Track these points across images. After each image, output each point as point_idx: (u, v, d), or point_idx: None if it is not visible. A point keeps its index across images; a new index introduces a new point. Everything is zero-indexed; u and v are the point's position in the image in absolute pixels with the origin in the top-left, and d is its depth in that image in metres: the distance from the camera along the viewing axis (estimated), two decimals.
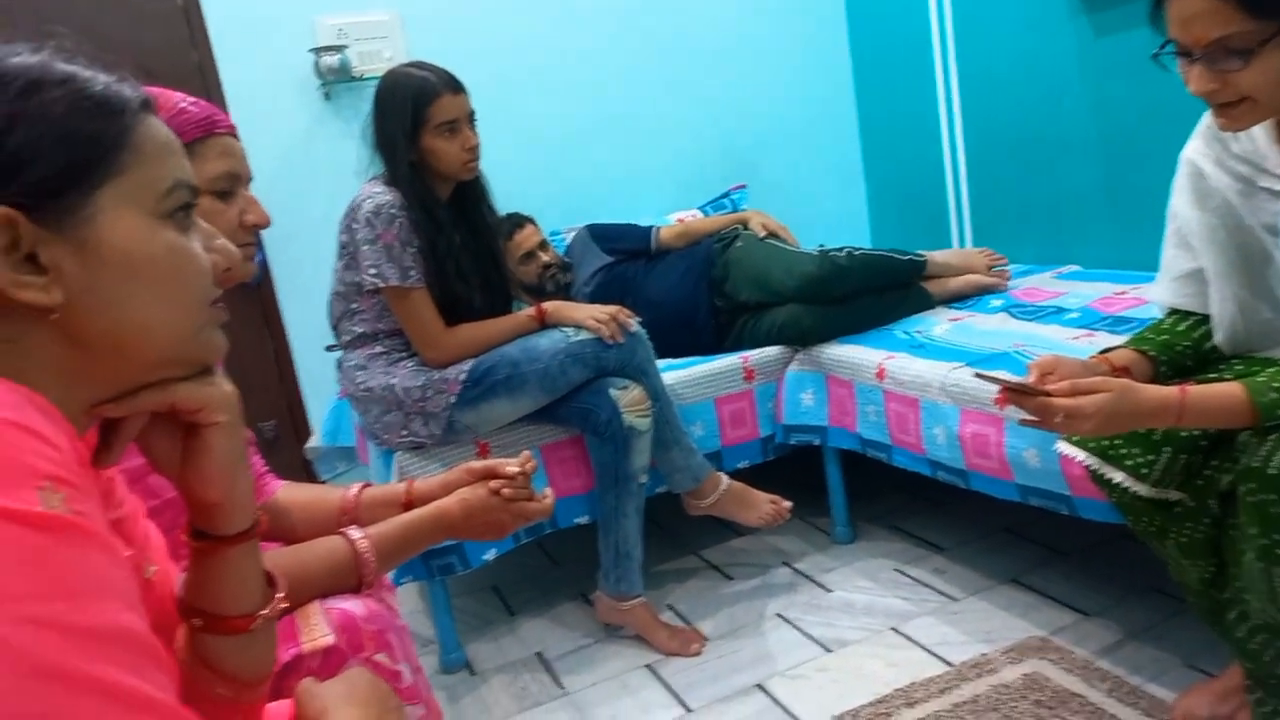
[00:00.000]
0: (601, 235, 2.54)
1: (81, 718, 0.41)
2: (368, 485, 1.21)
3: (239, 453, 0.65)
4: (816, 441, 2.18)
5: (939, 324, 2.18)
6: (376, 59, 2.58)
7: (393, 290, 1.75)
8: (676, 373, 2.11)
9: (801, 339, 2.21)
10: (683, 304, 2.35)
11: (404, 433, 1.82)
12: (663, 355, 2.16)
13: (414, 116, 1.74)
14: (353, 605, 0.96)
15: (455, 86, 1.79)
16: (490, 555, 1.88)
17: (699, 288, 2.35)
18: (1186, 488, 1.28)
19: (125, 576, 0.48)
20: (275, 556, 0.98)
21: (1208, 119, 1.26)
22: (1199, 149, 1.29)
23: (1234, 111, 1.10)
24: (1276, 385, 1.08)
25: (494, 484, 1.17)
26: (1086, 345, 1.76)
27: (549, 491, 1.21)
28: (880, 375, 1.97)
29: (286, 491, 1.17)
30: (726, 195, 3.01)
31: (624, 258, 2.50)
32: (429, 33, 2.66)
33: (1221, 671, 1.40)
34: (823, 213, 3.24)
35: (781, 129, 3.20)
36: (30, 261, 0.52)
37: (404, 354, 1.84)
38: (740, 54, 3.10)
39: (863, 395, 2.04)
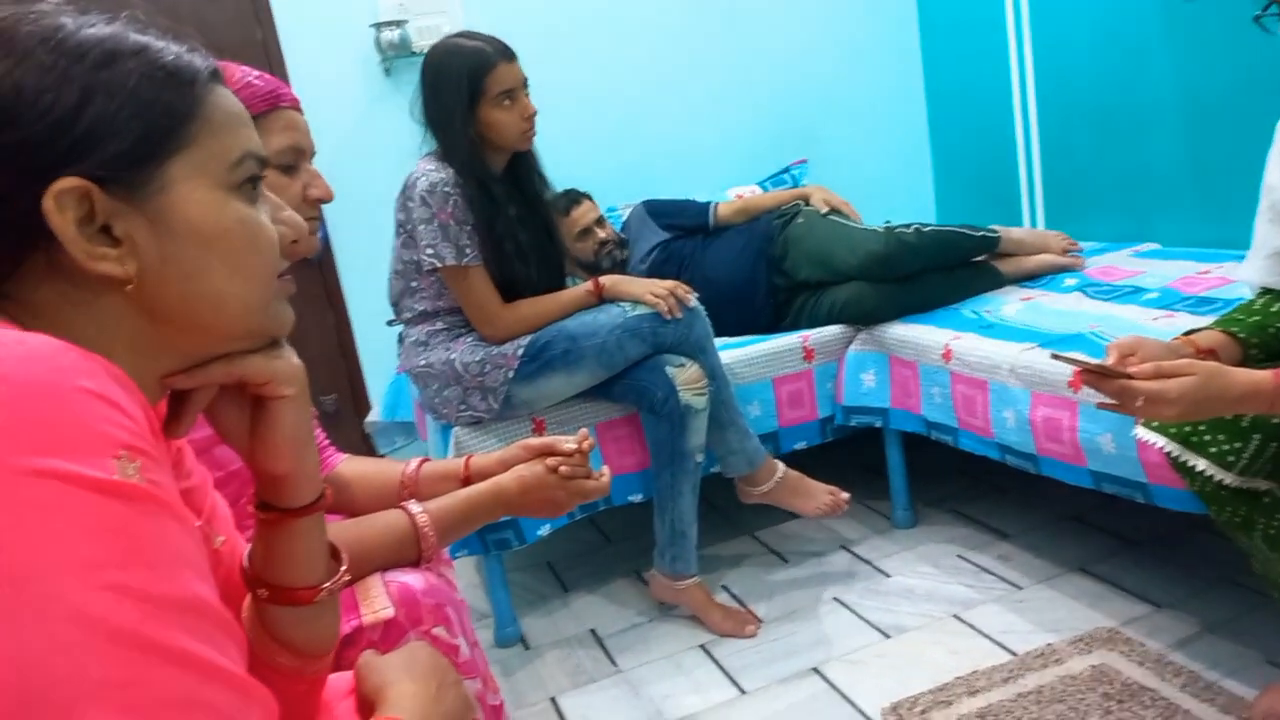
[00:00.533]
0: (658, 211, 2.50)
1: (158, 685, 0.42)
2: (427, 460, 1.22)
3: (306, 426, 0.65)
4: (878, 423, 2.13)
5: (1009, 303, 2.10)
6: (436, 33, 2.56)
7: (450, 270, 1.75)
8: (733, 352, 2.08)
9: (864, 318, 2.16)
10: (740, 282, 2.31)
11: (462, 408, 1.83)
12: (719, 334, 2.12)
13: (470, 88, 1.73)
14: (412, 579, 0.96)
15: (509, 54, 1.77)
16: (545, 531, 1.89)
17: (757, 265, 2.31)
18: (1277, 477, 1.21)
19: (197, 546, 0.48)
20: (337, 529, 0.98)
21: None
22: None
23: None
24: None
25: (551, 461, 1.17)
26: (1166, 327, 1.68)
27: (606, 470, 1.20)
28: (947, 356, 1.92)
29: (348, 465, 1.18)
30: (787, 170, 2.95)
31: (681, 234, 2.47)
32: (487, 6, 2.65)
33: None
34: (887, 189, 3.15)
35: (844, 101, 3.12)
36: (105, 233, 0.52)
37: (464, 330, 1.85)
38: (802, 23, 3.03)
39: (927, 376, 1.99)
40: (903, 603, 1.85)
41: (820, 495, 1.94)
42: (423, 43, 2.55)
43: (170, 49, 0.56)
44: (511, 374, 1.78)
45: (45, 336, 0.47)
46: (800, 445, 2.15)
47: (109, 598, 0.41)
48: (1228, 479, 1.22)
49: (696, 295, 1.88)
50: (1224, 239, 2.15)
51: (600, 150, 2.82)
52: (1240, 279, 1.39)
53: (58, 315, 0.53)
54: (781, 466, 1.96)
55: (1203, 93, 2.27)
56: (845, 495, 1.94)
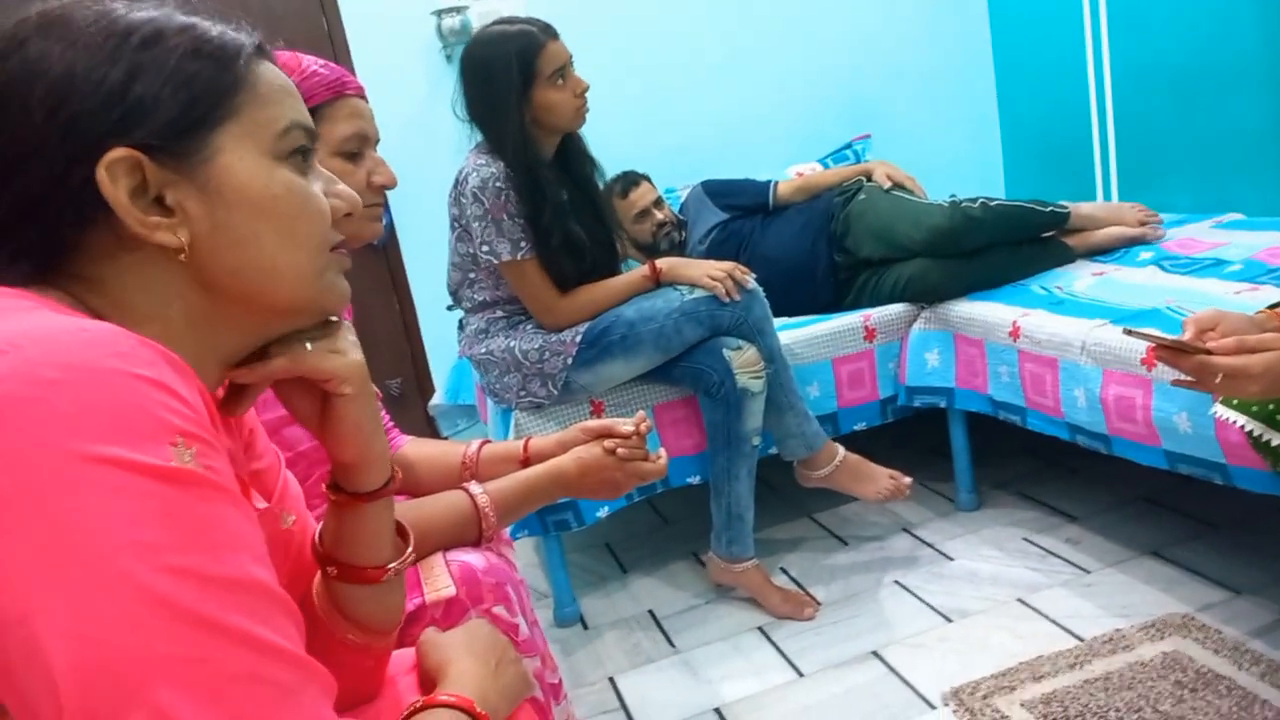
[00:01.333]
0: (717, 192, 2.48)
1: (222, 662, 0.44)
2: (487, 442, 1.24)
3: (370, 417, 0.66)
4: (942, 404, 2.09)
5: (1080, 278, 2.03)
6: (491, 18, 2.59)
7: (506, 264, 1.76)
8: (793, 332, 2.06)
9: (928, 295, 2.11)
10: (800, 260, 2.28)
11: (522, 393, 1.85)
12: (779, 314, 2.10)
13: (523, 72, 1.72)
14: (473, 558, 0.98)
15: (553, 32, 1.77)
16: (604, 513, 1.91)
17: (818, 243, 2.28)
18: None
19: (254, 530, 0.49)
20: (400, 509, 1.01)
21: None
22: None
23: None
24: None
25: (609, 443, 1.18)
26: (1250, 300, 1.60)
27: (663, 452, 1.21)
28: (1014, 334, 1.87)
29: (412, 446, 1.21)
30: (849, 146, 2.89)
31: (740, 214, 2.44)
32: None
33: None
34: (953, 163, 3.07)
35: (909, 72, 3.04)
36: (158, 204, 0.54)
37: (522, 318, 1.87)
38: None
39: (994, 355, 1.94)
40: (966, 586, 1.82)
41: (882, 480, 1.91)
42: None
43: (215, 27, 0.58)
44: (570, 361, 1.79)
45: (106, 324, 0.49)
46: (860, 426, 2.12)
47: (171, 579, 0.43)
48: None
49: (754, 276, 1.86)
50: None
51: (658, 131, 2.81)
52: None
53: (118, 291, 0.55)
54: (841, 450, 1.94)
55: None
56: (907, 480, 1.91)
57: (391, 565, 0.70)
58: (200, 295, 0.57)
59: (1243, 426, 1.24)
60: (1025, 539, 1.97)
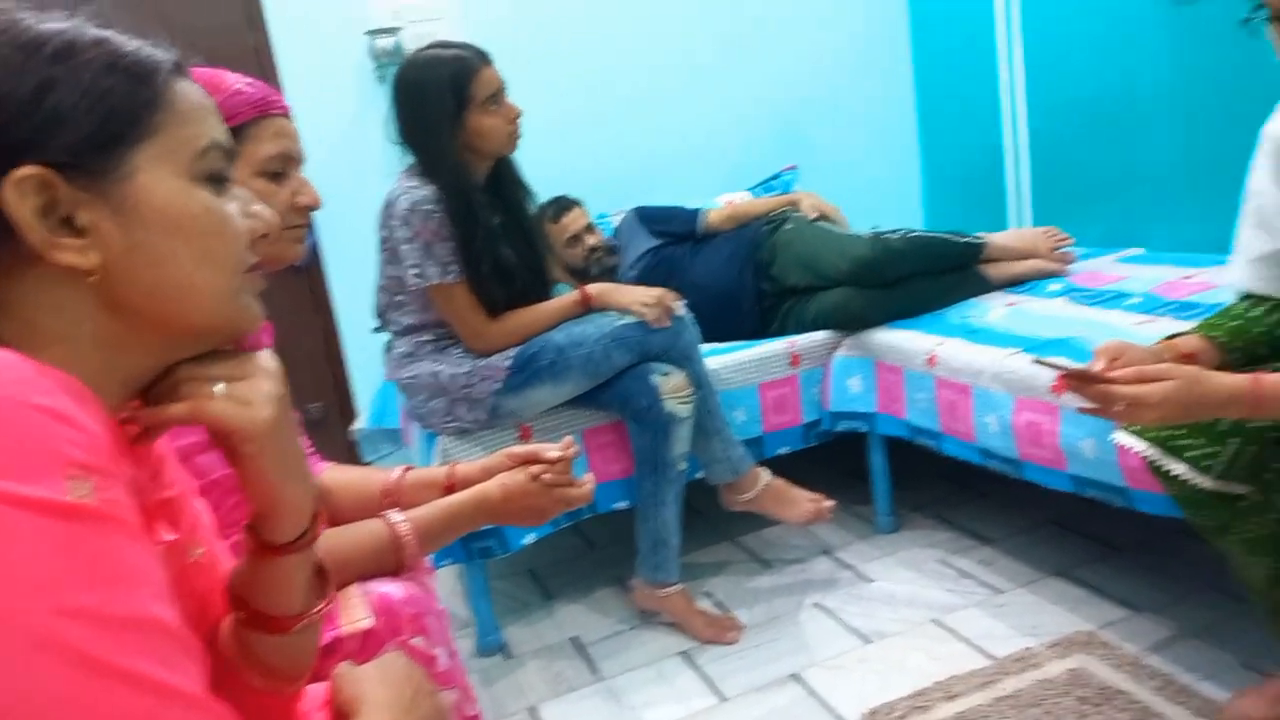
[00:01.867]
0: (649, 218, 2.51)
1: (116, 708, 0.42)
2: (410, 468, 1.22)
3: (280, 469, 0.61)
4: (863, 428, 2.14)
5: (994, 309, 2.12)
6: (433, 40, 2.58)
7: (435, 288, 1.75)
8: (720, 357, 2.09)
9: (851, 323, 2.17)
10: (728, 287, 2.32)
11: (449, 418, 1.83)
12: (707, 340, 2.13)
13: (456, 96, 1.72)
14: (392, 588, 0.97)
15: (487, 58, 1.77)
16: (529, 539, 1.89)
17: (745, 271, 2.32)
18: (1254, 481, 1.22)
19: (154, 565, 0.47)
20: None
21: None
22: None
23: None
24: None
25: (535, 469, 1.17)
26: (1150, 332, 1.69)
27: (590, 477, 1.20)
28: (931, 362, 1.93)
29: (331, 473, 1.18)
30: (776, 177, 2.96)
31: (671, 241, 2.48)
32: (481, 12, 2.65)
33: None
34: (876, 194, 3.17)
35: (834, 107, 3.14)
36: (68, 224, 0.52)
37: (450, 342, 1.85)
38: (792, 29, 3.04)
39: (912, 382, 2.00)
40: (884, 608, 1.86)
41: (804, 503, 1.95)
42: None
43: (131, 43, 0.56)
44: (498, 386, 1.78)
45: (1, 350, 0.47)
46: (784, 450, 2.16)
47: (64, 621, 0.41)
48: (1205, 483, 1.24)
49: (684, 303, 1.88)
50: (1215, 242, 2.16)
51: (591, 157, 2.83)
52: (1224, 283, 1.40)
53: (26, 311, 0.53)
54: (766, 474, 1.97)
55: (1195, 94, 2.28)
56: (829, 503, 1.95)
57: (303, 617, 0.67)
58: (111, 317, 0.55)
59: (1142, 452, 1.31)
60: (941, 560, 2.02)
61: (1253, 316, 1.29)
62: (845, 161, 3.15)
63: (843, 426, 2.16)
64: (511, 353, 1.79)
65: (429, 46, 1.80)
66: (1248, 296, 1.32)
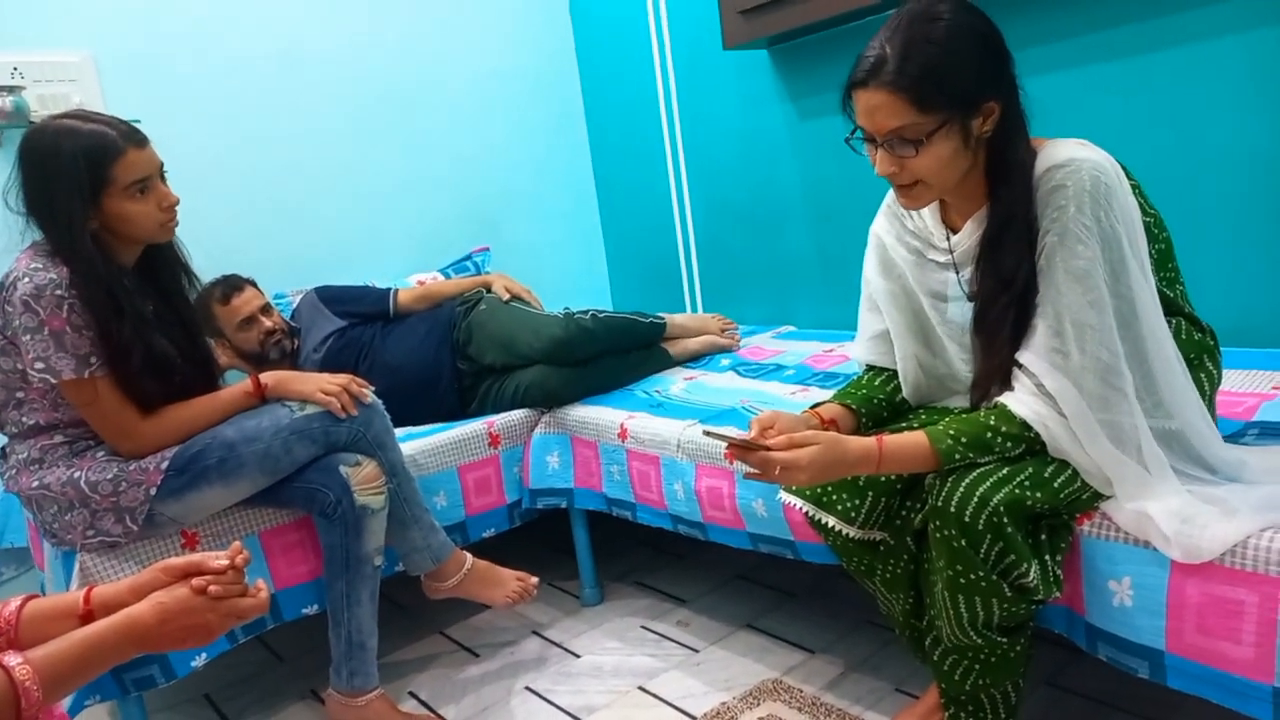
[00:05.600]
0: (333, 298, 2.41)
1: None
2: (33, 597, 1.03)
3: None
4: (563, 504, 2.18)
5: (675, 382, 2.28)
6: (64, 103, 2.29)
7: (70, 383, 1.50)
8: (417, 442, 2.03)
9: (548, 400, 2.22)
10: (424, 368, 2.27)
11: (90, 532, 1.56)
12: (402, 423, 2.06)
13: (92, 176, 1.49)
14: None
15: (139, 139, 1.55)
16: (200, 661, 1.66)
17: (441, 351, 2.29)
18: (887, 528, 1.41)
19: None
20: None
21: (890, 197, 1.44)
22: (882, 225, 1.47)
23: (911, 192, 1.26)
24: (952, 432, 1.23)
25: (198, 582, 1.04)
26: (803, 399, 1.92)
27: (261, 584, 1.09)
28: (623, 435, 2.02)
29: None
30: (469, 258, 2.98)
31: (359, 321, 2.38)
32: (127, 76, 2.41)
33: (923, 693, 1.55)
34: (566, 276, 3.32)
35: (524, 193, 3.25)
36: None
37: (89, 442, 1.60)
38: (480, 116, 3.12)
39: (607, 455, 2.08)
40: (592, 682, 1.88)
41: (510, 582, 1.92)
42: (43, 111, 2.25)
43: None
44: (154, 491, 1.55)
45: None
46: (490, 533, 2.13)
47: None
48: (852, 532, 1.41)
49: (374, 389, 1.80)
50: (846, 321, 2.52)
51: (268, 234, 2.66)
52: (852, 357, 1.63)
53: None
54: (469, 557, 1.92)
55: (822, 196, 2.68)
56: (534, 580, 1.94)
57: None
58: None
59: (801, 509, 1.46)
60: (643, 626, 2.09)
61: (875, 385, 1.51)
62: (536, 245, 3.26)
63: (544, 503, 2.18)
64: (169, 453, 1.58)
65: (68, 114, 1.55)
66: (870, 368, 1.54)
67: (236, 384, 1.71)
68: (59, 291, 1.47)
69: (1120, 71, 1.97)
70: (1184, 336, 1.27)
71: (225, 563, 1.07)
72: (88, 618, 1.03)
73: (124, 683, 1.58)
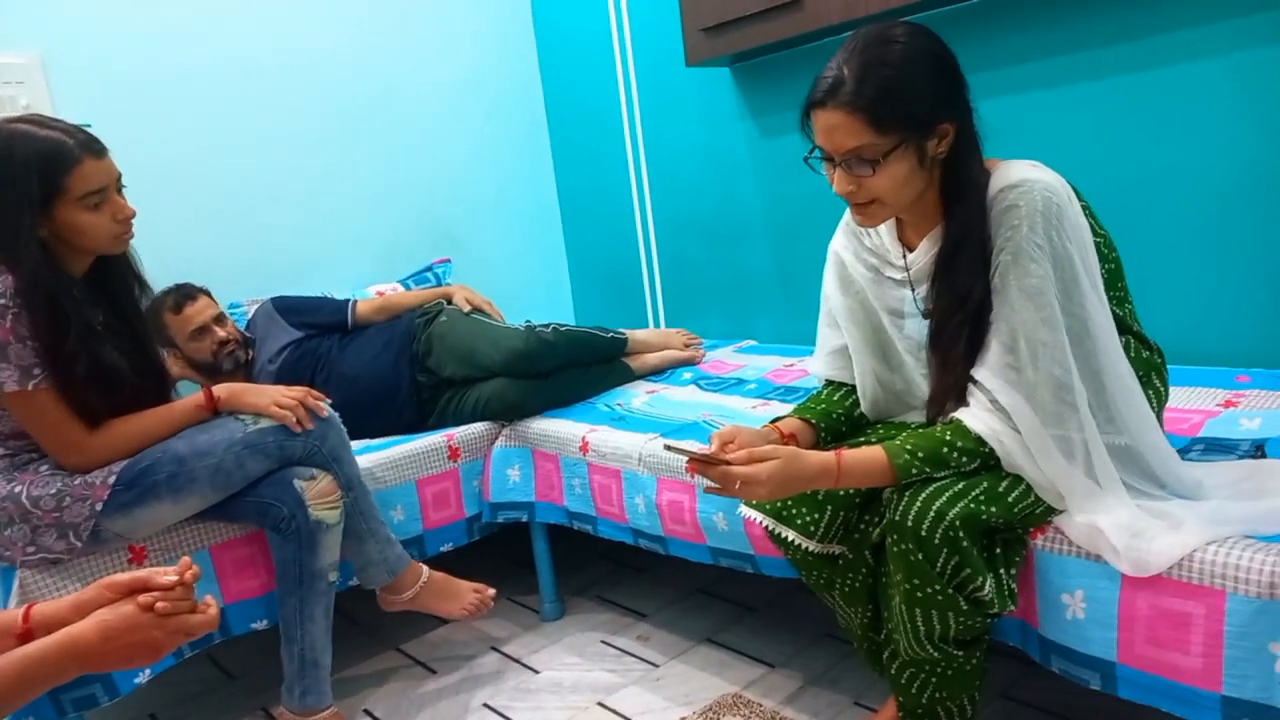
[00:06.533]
0: (289, 309, 2.37)
1: None
2: None
3: None
4: (524, 518, 2.16)
5: (637, 396, 2.28)
6: (11, 105, 2.24)
7: (12, 395, 1.46)
8: (374, 454, 2.00)
9: (508, 413, 2.20)
10: (383, 380, 2.25)
11: (31, 548, 1.51)
12: (360, 436, 2.03)
13: (44, 185, 1.45)
14: None
15: (97, 149, 1.51)
16: (143, 678, 1.61)
17: (400, 363, 2.27)
18: (846, 541, 1.42)
19: None
20: None
21: (848, 215, 1.46)
22: (841, 242, 1.48)
23: (868, 210, 1.27)
24: (909, 447, 1.25)
25: (145, 598, 1.02)
26: (764, 413, 1.93)
27: (210, 599, 1.07)
28: (584, 448, 2.01)
29: None
30: (430, 269, 2.96)
31: (316, 332, 2.35)
32: (78, 79, 2.35)
33: (882, 706, 1.56)
34: (528, 289, 3.30)
35: (486, 205, 3.23)
36: None
37: (32, 455, 1.55)
38: (443, 127, 3.10)
39: (568, 468, 2.07)
40: (551, 698, 1.86)
41: (466, 595, 1.90)
42: None
43: None
44: (100, 507, 1.51)
45: None
46: (448, 547, 2.10)
47: None
48: (811, 546, 1.41)
49: (330, 401, 1.77)
50: (806, 336, 2.54)
51: (221, 243, 2.61)
52: (811, 372, 1.64)
53: None
54: (426, 570, 1.89)
55: (783, 215, 2.70)
56: (491, 591, 1.92)
57: None
58: None
59: (761, 523, 1.47)
60: (603, 641, 2.08)
61: (834, 400, 1.52)
62: (498, 257, 3.25)
63: (504, 517, 2.16)
64: (117, 467, 1.54)
65: (23, 119, 1.50)
66: (829, 383, 1.56)
67: (188, 396, 1.67)
68: (2, 300, 1.43)
69: (1072, 96, 2.03)
70: (1133, 354, 1.30)
71: (174, 578, 1.04)
72: (26, 636, 0.99)
73: (62, 704, 1.52)
